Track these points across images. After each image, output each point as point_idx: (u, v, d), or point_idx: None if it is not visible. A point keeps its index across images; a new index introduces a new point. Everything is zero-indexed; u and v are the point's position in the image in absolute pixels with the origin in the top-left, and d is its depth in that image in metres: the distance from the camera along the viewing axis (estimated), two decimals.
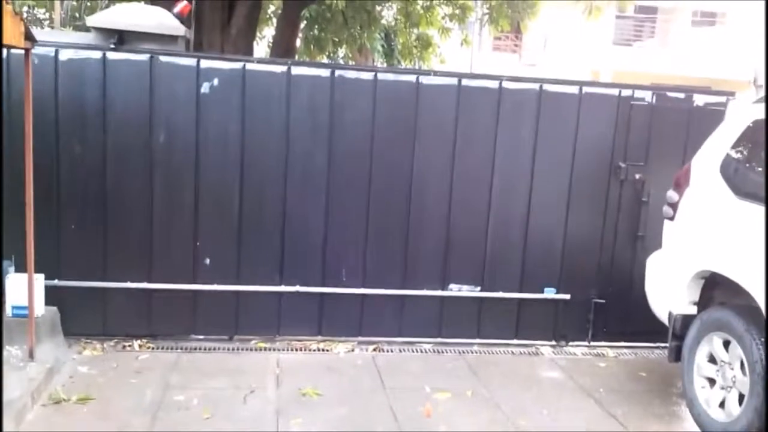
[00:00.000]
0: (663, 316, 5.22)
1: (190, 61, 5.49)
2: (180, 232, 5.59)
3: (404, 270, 5.92)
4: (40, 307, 5.10)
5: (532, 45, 30.55)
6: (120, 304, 5.60)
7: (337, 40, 13.37)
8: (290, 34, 10.67)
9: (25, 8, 10.73)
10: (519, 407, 4.92)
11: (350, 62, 14.05)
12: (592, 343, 6.22)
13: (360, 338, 5.93)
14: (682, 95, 6.10)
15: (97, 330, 5.61)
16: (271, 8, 13.13)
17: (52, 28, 8.11)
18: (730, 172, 4.79)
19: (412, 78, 5.81)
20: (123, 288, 5.56)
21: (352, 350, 5.81)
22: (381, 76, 5.75)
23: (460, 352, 5.92)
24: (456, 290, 6.00)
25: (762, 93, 5.09)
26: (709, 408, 4.62)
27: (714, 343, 4.65)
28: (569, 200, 6.02)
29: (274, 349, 5.72)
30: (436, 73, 5.97)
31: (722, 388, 4.58)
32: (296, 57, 11.59)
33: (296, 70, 5.64)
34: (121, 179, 5.48)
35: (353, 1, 10.85)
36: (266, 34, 14.23)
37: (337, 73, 5.68)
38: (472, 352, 5.95)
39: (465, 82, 5.82)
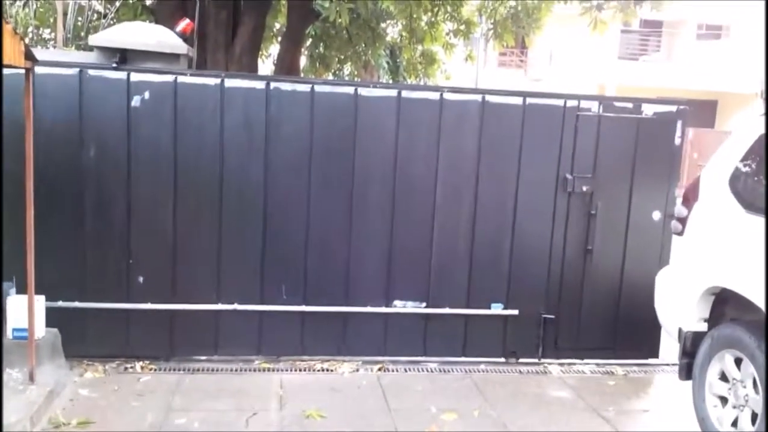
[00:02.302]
0: (673, 333, 5.12)
1: (120, 75, 5.35)
2: (112, 249, 5.45)
3: (346, 286, 5.79)
4: (40, 329, 5.04)
5: (538, 60, 30.61)
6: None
7: (342, 57, 13.42)
8: (294, 52, 10.69)
9: (31, 28, 10.78)
10: (528, 425, 4.84)
11: (356, 79, 14.06)
12: (542, 360, 6.07)
13: (303, 357, 5.80)
14: (630, 105, 5.98)
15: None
16: (276, 26, 13.17)
17: (55, 47, 8.12)
18: (739, 186, 4.72)
19: (350, 90, 5.70)
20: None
21: (357, 370, 5.72)
22: (318, 88, 5.64)
23: (466, 371, 5.83)
24: (401, 307, 5.87)
25: None
26: (722, 427, 4.52)
27: (726, 360, 4.55)
28: (515, 213, 5.90)
29: (277, 370, 5.64)
30: (375, 85, 5.92)
31: (734, 407, 4.47)
32: (301, 75, 11.59)
33: (230, 83, 5.52)
34: (50, 195, 5.29)
35: (358, 18, 10.87)
36: (272, 52, 14.26)
37: (273, 85, 5.58)
38: (479, 371, 5.85)
39: (405, 93, 5.74)
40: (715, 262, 4.72)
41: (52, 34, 11.17)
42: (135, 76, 5.39)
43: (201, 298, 5.62)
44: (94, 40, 5.73)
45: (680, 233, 5.14)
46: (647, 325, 6.01)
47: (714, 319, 4.86)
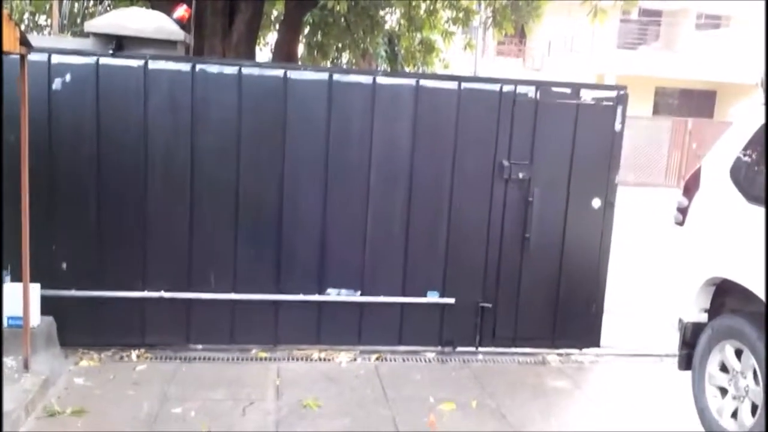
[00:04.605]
0: (673, 324, 5.10)
1: (41, 56, 5.15)
2: (35, 235, 5.10)
3: (278, 274, 5.68)
4: (35, 317, 5.00)
5: (536, 49, 30.50)
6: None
7: (340, 45, 13.33)
8: (292, 40, 10.60)
9: (27, 14, 10.70)
10: (527, 417, 4.82)
11: (354, 67, 13.98)
12: (480, 349, 6.00)
13: (235, 346, 5.71)
14: (568, 90, 5.84)
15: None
16: (274, 14, 13.08)
17: (50, 34, 8.05)
18: (741, 176, 4.68)
19: (280, 72, 5.56)
20: None
21: (354, 359, 5.69)
22: (246, 70, 5.51)
23: (463, 361, 5.80)
24: (335, 295, 5.81)
25: None
26: (721, 418, 4.50)
27: (726, 351, 4.53)
28: (451, 200, 5.79)
29: (274, 359, 5.61)
30: (306, 68, 5.80)
31: (734, 398, 4.45)
32: (299, 62, 11.51)
33: (154, 65, 5.38)
34: None
35: (356, 5, 10.79)
36: (270, 40, 14.17)
37: (199, 67, 5.44)
38: (476, 362, 5.83)
39: (337, 77, 5.62)
40: (716, 253, 4.69)
41: (48, 21, 11.10)
42: (56, 58, 5.22)
43: (127, 284, 5.51)
44: (90, 26, 5.68)
45: (681, 223, 5.10)
46: (588, 314, 6.03)
47: (714, 309, 4.84)
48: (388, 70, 14.84)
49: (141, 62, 5.37)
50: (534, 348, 6.06)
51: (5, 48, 4.20)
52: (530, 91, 5.79)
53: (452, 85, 5.75)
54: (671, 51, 28.26)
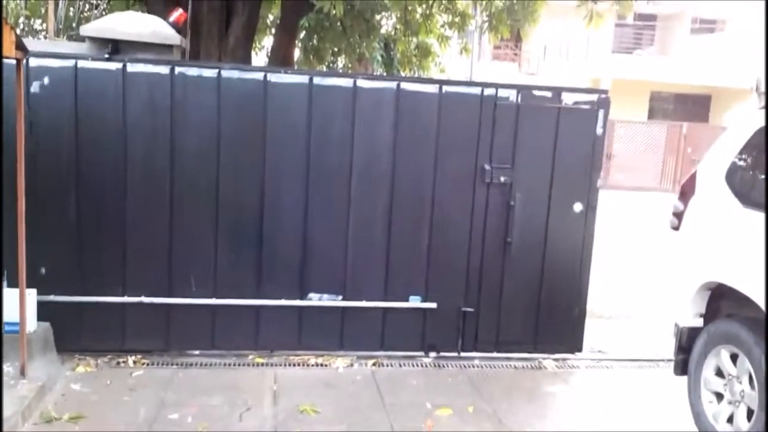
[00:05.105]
0: (669, 328, 5.11)
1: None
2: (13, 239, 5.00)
3: (259, 279, 5.66)
4: (32, 323, 4.99)
5: (532, 54, 30.61)
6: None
7: (336, 49, 13.32)
8: (288, 44, 10.59)
9: (22, 19, 10.68)
10: (524, 421, 4.82)
11: (349, 71, 13.99)
12: (462, 354, 5.98)
13: (213, 351, 5.69)
14: (549, 94, 5.84)
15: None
16: (270, 18, 13.08)
17: (46, 38, 8.04)
18: (736, 180, 4.70)
19: (260, 75, 5.55)
20: None
21: (351, 365, 5.69)
22: (225, 73, 5.50)
23: (460, 366, 5.80)
24: (316, 299, 5.79)
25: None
26: (717, 423, 4.51)
27: (722, 356, 4.54)
28: (433, 204, 5.77)
29: (271, 365, 5.60)
30: (286, 71, 5.78)
31: (730, 403, 4.46)
32: (295, 67, 11.51)
33: (132, 68, 5.36)
34: None
35: (352, 10, 10.79)
36: (266, 44, 14.17)
37: (177, 70, 5.42)
38: (473, 367, 5.83)
39: (317, 80, 5.60)
40: (712, 257, 4.70)
41: (44, 25, 11.08)
42: (34, 61, 5.18)
43: (107, 289, 5.49)
44: (85, 30, 5.66)
45: (676, 228, 5.11)
46: (570, 318, 6.02)
47: (710, 314, 4.85)
48: (384, 74, 14.85)
49: (119, 65, 5.36)
50: (517, 353, 6.04)
51: (2, 53, 4.20)
52: (511, 94, 5.78)
53: (433, 88, 5.75)
54: (666, 55, 28.37)
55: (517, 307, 5.99)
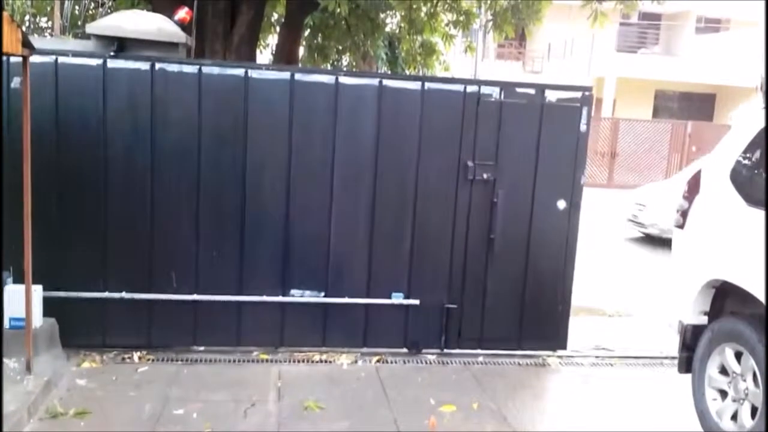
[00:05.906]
0: (673, 326, 5.11)
1: None
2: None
3: (240, 275, 5.64)
4: (38, 319, 5.01)
5: (536, 53, 30.58)
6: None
7: (340, 48, 13.34)
8: (293, 42, 10.61)
9: (28, 16, 10.71)
10: (528, 418, 4.83)
11: (354, 70, 14.01)
12: (445, 350, 5.96)
13: (195, 347, 5.68)
14: (532, 91, 5.81)
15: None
16: (275, 16, 13.10)
17: (51, 36, 8.07)
18: (741, 179, 4.69)
19: (241, 72, 5.52)
20: None
21: (356, 362, 5.71)
22: (206, 69, 5.47)
23: (464, 363, 5.81)
24: (298, 296, 5.78)
25: None
26: (721, 421, 4.51)
27: (726, 354, 4.54)
28: (416, 201, 5.76)
29: (276, 361, 5.62)
30: (267, 67, 5.74)
31: (734, 401, 4.47)
32: (299, 65, 11.52)
33: (113, 63, 5.33)
34: None
35: (357, 8, 10.80)
36: (270, 42, 14.19)
37: (158, 66, 5.38)
38: (477, 364, 5.84)
39: (299, 76, 5.58)
40: (716, 255, 4.70)
41: (50, 23, 11.11)
42: (15, 58, 5.04)
43: (87, 285, 5.47)
44: (91, 28, 5.68)
45: (681, 226, 5.12)
46: (554, 315, 6.01)
47: (714, 312, 4.85)
48: (389, 72, 14.87)
49: (99, 61, 5.35)
50: (501, 350, 6.03)
51: (7, 50, 4.21)
52: (495, 91, 5.77)
53: (416, 85, 5.73)
54: (671, 54, 28.34)
55: (501, 304, 5.97)
